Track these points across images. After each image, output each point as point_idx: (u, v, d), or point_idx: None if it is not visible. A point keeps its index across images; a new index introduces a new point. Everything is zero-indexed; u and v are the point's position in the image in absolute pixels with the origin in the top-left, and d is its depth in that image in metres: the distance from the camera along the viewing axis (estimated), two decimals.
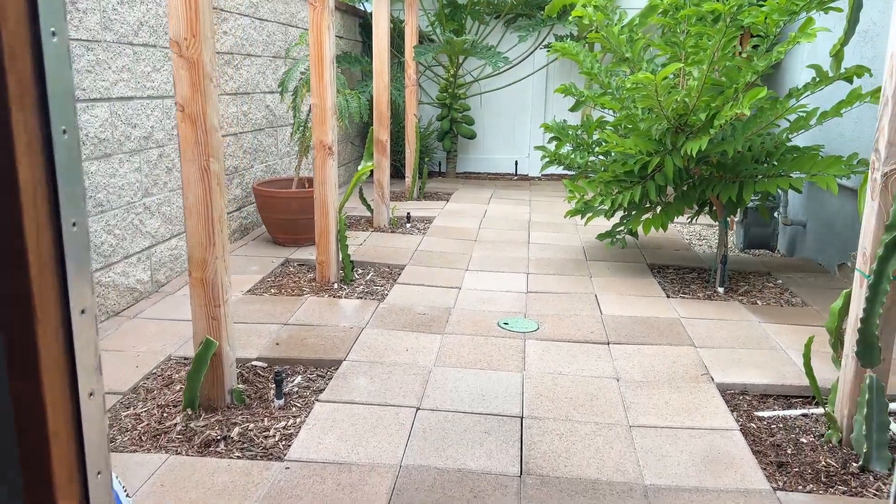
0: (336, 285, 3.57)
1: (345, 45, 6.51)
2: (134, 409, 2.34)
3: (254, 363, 2.68)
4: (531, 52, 7.10)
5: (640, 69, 3.35)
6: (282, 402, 2.38)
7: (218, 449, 2.12)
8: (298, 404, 2.39)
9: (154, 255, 3.40)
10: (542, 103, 7.28)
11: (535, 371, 2.63)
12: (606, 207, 3.50)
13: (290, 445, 2.13)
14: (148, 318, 3.06)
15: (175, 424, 2.23)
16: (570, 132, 3.86)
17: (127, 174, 3.12)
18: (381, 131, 4.71)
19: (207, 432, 2.17)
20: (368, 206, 4.88)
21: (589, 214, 4.05)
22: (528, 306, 3.33)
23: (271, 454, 2.09)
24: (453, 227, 4.90)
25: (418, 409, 2.33)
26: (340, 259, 3.63)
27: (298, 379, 2.58)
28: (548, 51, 4.03)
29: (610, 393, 2.48)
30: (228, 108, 4.12)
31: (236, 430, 2.21)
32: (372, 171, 4.93)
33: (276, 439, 2.17)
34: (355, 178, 3.61)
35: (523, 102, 7.29)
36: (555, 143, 3.91)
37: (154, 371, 2.60)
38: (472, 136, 7.11)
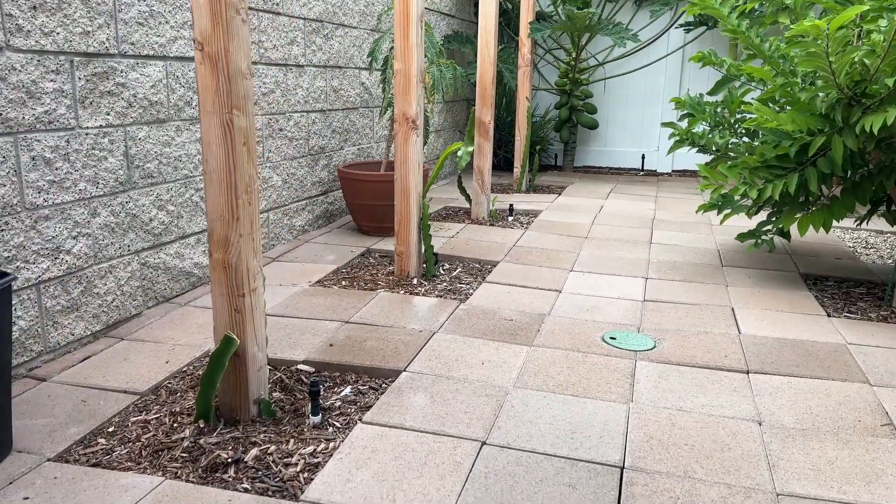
0: (415, 280, 3.09)
1: (457, 25, 6.05)
2: (146, 413, 1.96)
3: (299, 367, 2.24)
4: (665, 31, 6.33)
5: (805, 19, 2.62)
6: (318, 419, 1.92)
7: (225, 476, 1.68)
8: (338, 423, 1.92)
9: None
10: (675, 89, 6.49)
11: (647, 404, 2.01)
12: (751, 200, 2.79)
13: (312, 479, 1.65)
14: (200, 307, 2.71)
15: (182, 439, 1.82)
16: (708, 109, 3.17)
17: (185, 144, 2.79)
18: (484, 111, 4.19)
19: (218, 452, 1.74)
20: (468, 197, 4.37)
21: (726, 211, 3.33)
22: (643, 318, 2.70)
23: (286, 490, 1.62)
24: (561, 222, 4.30)
25: (483, 443, 1.79)
26: (423, 251, 3.15)
27: (346, 391, 2.11)
28: (686, 29, 3.34)
29: (749, 442, 1.82)
30: (315, 82, 3.74)
31: (253, 452, 1.76)
32: (472, 158, 4.42)
33: (298, 469, 1.70)
34: (442, 156, 3.11)
35: (654, 89, 6.53)
36: (687, 121, 3.22)
37: (184, 369, 2.21)
38: (593, 127, 6.44)
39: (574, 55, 6.24)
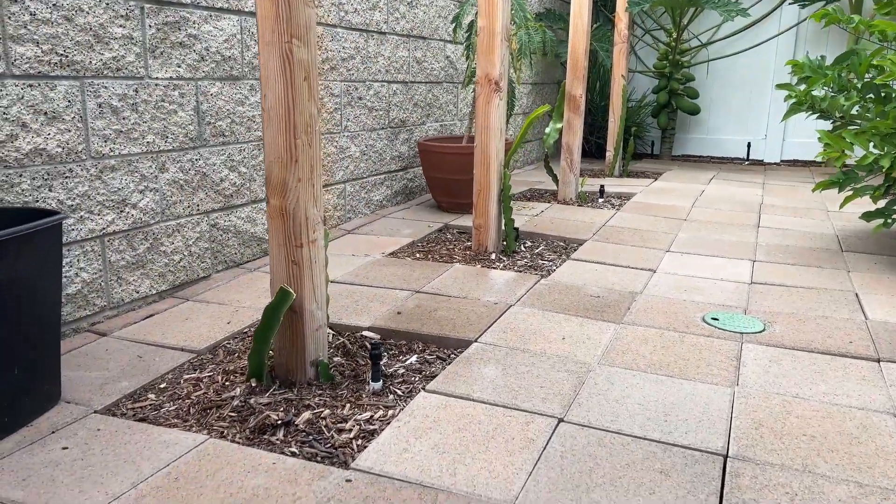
0: (493, 256, 2.88)
1: (549, 3, 5.80)
2: (200, 371, 1.84)
3: (363, 334, 2.08)
4: (777, 7, 5.85)
5: None
6: (379, 385, 1.75)
7: (273, 438, 1.53)
8: (399, 391, 1.74)
9: None
10: (786, 73, 5.99)
11: (756, 388, 1.73)
12: (878, 175, 2.43)
13: (365, 447, 1.48)
14: (269, 273, 2.60)
15: (232, 398, 1.69)
16: (830, 72, 2.80)
17: (260, 105, 2.69)
18: (575, 84, 3.93)
19: (268, 413, 1.60)
20: (554, 177, 4.13)
21: (848, 191, 2.95)
22: (750, 300, 2.39)
23: (337, 456, 1.46)
24: (657, 204, 3.98)
25: (561, 420, 1.57)
26: (502, 225, 2.94)
27: (412, 359, 1.93)
28: (801, 4, 2.99)
29: (885, 437, 1.51)
30: (398, 51, 3.60)
31: (306, 415, 1.61)
32: (560, 136, 4.18)
33: (352, 435, 1.53)
34: (528, 120, 2.89)
35: (763, 71, 6.05)
36: (804, 85, 2.87)
37: (245, 330, 2.10)
38: (694, 112, 6.03)
39: (675, 35, 5.86)
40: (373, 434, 1.54)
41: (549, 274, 2.65)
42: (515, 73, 3.72)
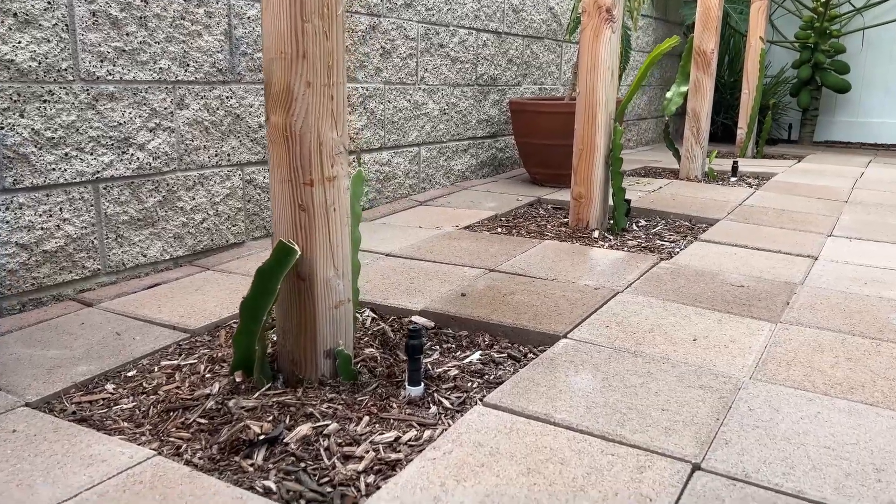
0: (596, 233, 2.27)
1: None
2: (185, 357, 1.36)
3: (413, 319, 1.54)
4: None
5: None
6: (418, 390, 1.20)
7: (248, 461, 1.01)
8: (447, 401, 1.19)
9: (352, 166, 2.47)
10: None
11: None
12: None
13: (378, 488, 0.94)
14: None
15: (207, 397, 1.19)
16: None
17: None
18: (706, 37, 3.24)
19: (248, 423, 1.08)
20: (675, 151, 3.45)
21: None
22: None
23: (330, 501, 0.93)
24: (806, 184, 3.22)
25: (696, 467, 0.96)
26: (610, 196, 2.32)
27: (474, 357, 1.37)
28: None
29: None
30: None
31: (303, 429, 1.08)
32: (685, 101, 3.49)
33: (361, 467, 1.00)
34: (650, 57, 2.27)
35: None
36: None
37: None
38: (843, 90, 5.12)
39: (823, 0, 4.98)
40: (394, 467, 1.00)
41: (671, 256, 2.02)
42: (632, 22, 3.08)
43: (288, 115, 1.16)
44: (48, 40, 1.54)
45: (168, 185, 1.84)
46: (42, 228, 1.58)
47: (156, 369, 1.31)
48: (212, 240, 1.98)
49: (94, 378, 1.28)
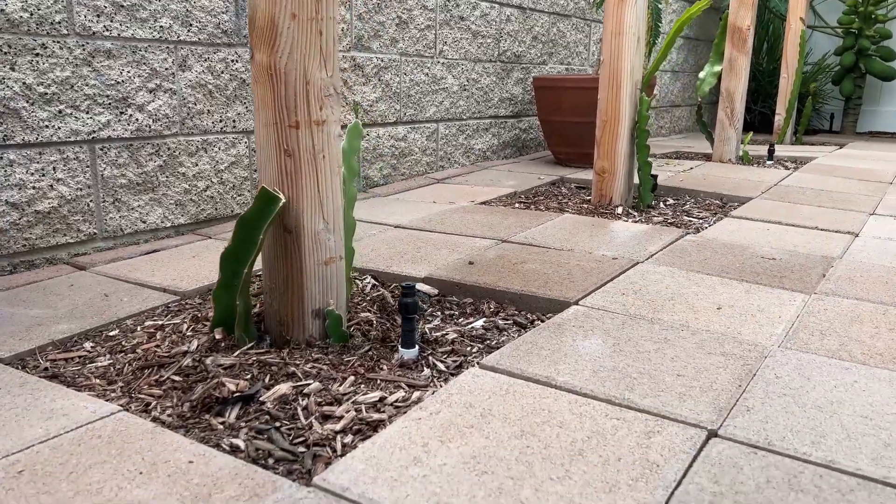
0: (619, 210, 2.15)
1: None
2: (169, 317, 1.29)
3: (417, 286, 1.45)
4: None
5: None
6: (412, 353, 1.11)
7: (219, 419, 0.93)
8: (442, 365, 1.09)
9: (366, 140, 2.39)
10: None
11: None
12: None
13: (354, 447, 0.85)
14: None
15: (185, 354, 1.11)
16: None
17: None
18: (742, 13, 3.08)
19: (223, 380, 1.00)
20: (709, 134, 3.30)
21: None
22: None
23: (300, 461, 0.84)
24: (847, 166, 3.04)
25: (713, 434, 0.85)
26: (636, 171, 2.20)
27: (476, 324, 1.27)
28: None
29: None
30: None
31: (282, 388, 1.00)
32: (718, 81, 3.34)
33: (339, 427, 0.90)
34: (680, 20, 2.14)
35: None
36: None
37: (260, 271, 1.53)
38: (889, 77, 4.89)
39: None
40: (375, 427, 0.90)
41: (699, 231, 1.89)
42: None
43: (272, 51, 1.07)
44: None
45: (169, 149, 1.78)
46: (34, 188, 1.52)
47: (138, 329, 1.24)
48: (215, 208, 1.91)
49: (73, 336, 1.21)
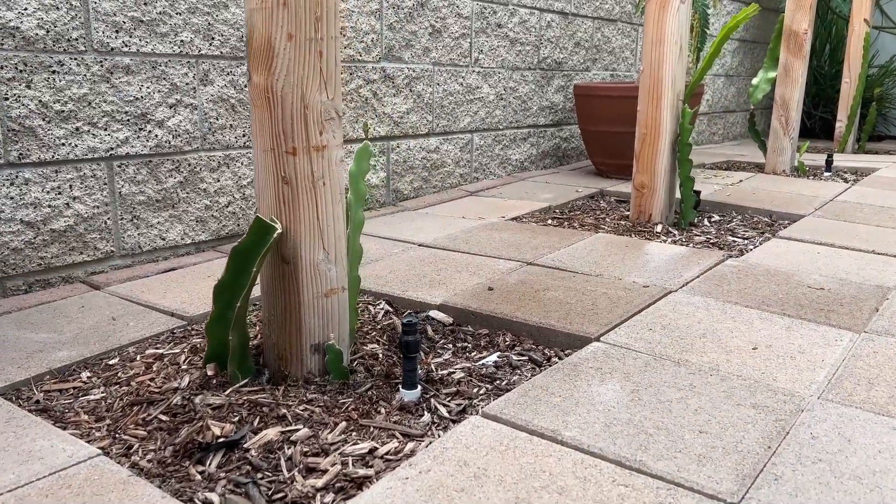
0: (659, 227, 2.03)
1: None
2: (171, 345, 1.25)
3: (431, 314, 1.38)
4: None
5: None
6: (413, 394, 1.04)
7: (198, 468, 0.88)
8: (446, 409, 1.01)
9: (396, 153, 2.33)
10: None
11: None
12: None
13: None
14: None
15: (175, 391, 1.06)
16: None
17: (353, 14, 2.09)
18: (799, 16, 2.91)
19: (208, 423, 0.95)
20: (762, 143, 3.13)
21: None
22: None
23: None
24: None
25: None
26: (678, 186, 2.08)
27: (490, 358, 1.19)
28: None
29: None
30: None
31: (270, 433, 0.94)
32: (773, 88, 3.16)
33: (322, 483, 0.84)
34: (726, 27, 2.02)
35: None
36: None
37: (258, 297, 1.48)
38: None
39: None
40: (360, 485, 0.83)
41: (742, 254, 1.77)
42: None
43: (269, 73, 1.02)
44: (57, 7, 1.47)
45: (190, 165, 1.75)
46: (50, 206, 1.51)
47: (138, 358, 1.20)
48: (238, 225, 1.88)
49: (72, 365, 1.18)
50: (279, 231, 1.03)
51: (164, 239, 1.73)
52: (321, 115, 1.04)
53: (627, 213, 2.24)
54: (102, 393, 1.09)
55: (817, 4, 4.36)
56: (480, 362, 1.19)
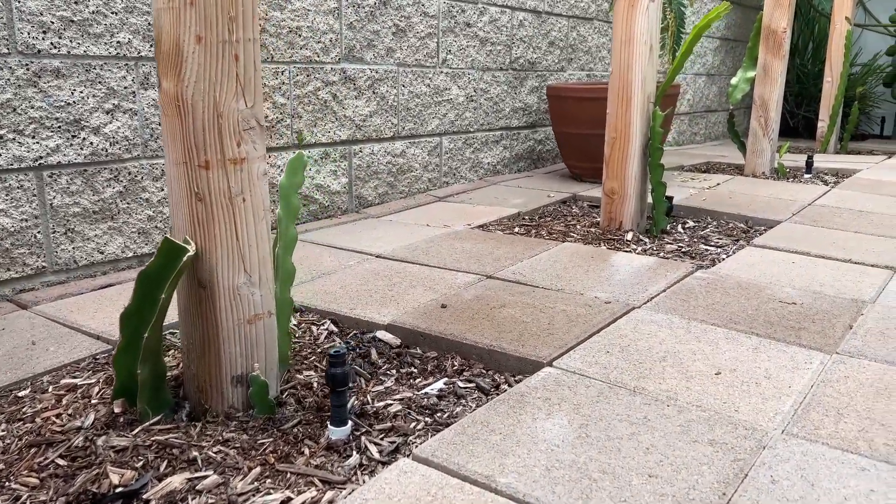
0: (630, 235, 1.95)
1: None
2: (88, 375, 1.15)
3: (378, 335, 1.28)
4: None
5: None
6: (343, 431, 0.94)
7: None
8: (377, 449, 0.92)
9: (359, 157, 2.23)
10: None
11: None
12: None
13: None
14: (315, 243, 1.89)
15: (78, 430, 0.97)
16: None
17: (309, 13, 1.99)
18: (778, 15, 2.83)
19: (109, 470, 0.85)
20: (741, 144, 3.06)
21: None
22: None
23: None
24: (894, 182, 2.77)
25: None
26: (649, 192, 2.00)
27: (436, 386, 1.10)
28: None
29: None
30: None
31: (174, 481, 0.84)
32: (752, 87, 3.08)
33: None
34: (697, 27, 1.94)
35: None
36: None
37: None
38: None
39: None
40: None
41: (714, 264, 1.68)
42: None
43: (178, 79, 0.92)
44: None
45: (130, 173, 1.65)
46: None
47: (50, 389, 1.10)
48: None
49: None
50: (191, 253, 0.93)
51: (102, 253, 1.63)
52: (238, 124, 0.95)
53: (599, 220, 2.15)
54: (3, 431, 0.99)
55: (799, 2, 4.30)
56: (424, 390, 1.10)
